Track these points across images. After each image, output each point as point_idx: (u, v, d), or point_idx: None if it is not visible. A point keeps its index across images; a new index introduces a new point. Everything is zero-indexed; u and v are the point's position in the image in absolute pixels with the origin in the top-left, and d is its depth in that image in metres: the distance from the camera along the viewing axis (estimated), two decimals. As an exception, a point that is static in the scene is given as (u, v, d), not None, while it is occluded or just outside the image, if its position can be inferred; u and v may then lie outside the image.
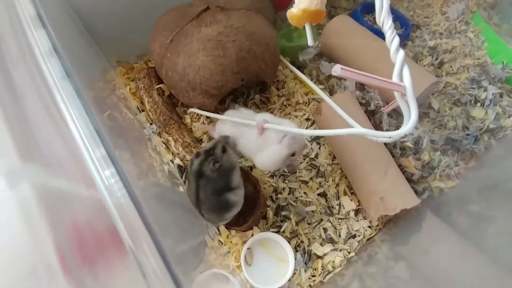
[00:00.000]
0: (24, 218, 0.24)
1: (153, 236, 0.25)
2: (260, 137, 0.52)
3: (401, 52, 0.36)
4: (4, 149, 0.27)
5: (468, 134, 0.66)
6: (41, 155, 0.29)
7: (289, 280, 0.57)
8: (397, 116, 0.67)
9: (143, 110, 0.72)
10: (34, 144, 0.29)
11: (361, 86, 0.69)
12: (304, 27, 0.44)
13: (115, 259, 0.24)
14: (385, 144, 0.65)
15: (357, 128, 0.38)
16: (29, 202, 0.25)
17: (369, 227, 0.63)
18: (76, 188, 0.27)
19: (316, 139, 0.70)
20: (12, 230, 0.24)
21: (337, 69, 0.31)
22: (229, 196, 0.50)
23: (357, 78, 0.33)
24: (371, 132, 0.37)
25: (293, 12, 0.41)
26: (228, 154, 0.51)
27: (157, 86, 0.71)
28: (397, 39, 0.36)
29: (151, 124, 0.70)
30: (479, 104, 0.71)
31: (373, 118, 0.68)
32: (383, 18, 0.36)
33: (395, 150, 0.64)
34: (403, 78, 0.36)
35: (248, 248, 0.59)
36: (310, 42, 0.43)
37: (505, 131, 0.70)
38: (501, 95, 0.73)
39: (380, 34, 0.76)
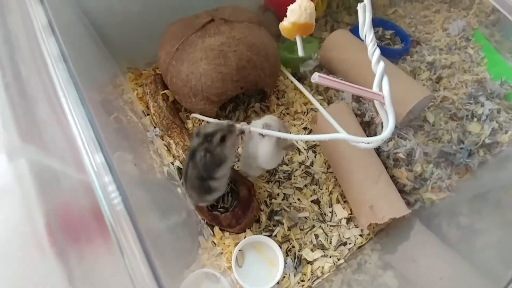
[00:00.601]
0: (19, 191, 0.27)
1: (135, 226, 0.27)
2: (252, 142, 0.55)
3: (381, 64, 0.38)
4: (7, 128, 0.30)
5: (462, 148, 0.67)
6: (40, 138, 0.32)
7: (278, 283, 0.58)
8: (391, 128, 0.69)
9: (148, 114, 0.76)
10: (35, 128, 0.33)
11: (357, 98, 0.71)
12: (296, 39, 0.47)
13: (99, 243, 0.27)
14: (379, 154, 0.66)
15: (338, 134, 0.40)
16: (25, 177, 0.28)
17: (360, 235, 0.64)
18: (68, 171, 0.30)
19: (312, 147, 0.72)
20: (8, 200, 0.26)
21: (315, 77, 0.34)
22: (211, 183, 0.52)
23: (335, 86, 0.35)
24: (352, 138, 0.39)
25: (284, 25, 0.44)
26: (224, 146, 0.51)
27: (162, 92, 0.75)
28: (377, 52, 0.39)
29: (154, 127, 0.74)
30: (475, 119, 0.72)
31: (368, 129, 0.70)
32: (366, 32, 0.39)
33: (388, 160, 0.66)
34: (382, 88, 0.38)
35: (239, 250, 0.61)
36: (300, 53, 0.46)
37: (501, 146, 0.70)
38: (498, 111, 0.73)
39: (380, 48, 0.78)
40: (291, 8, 0.42)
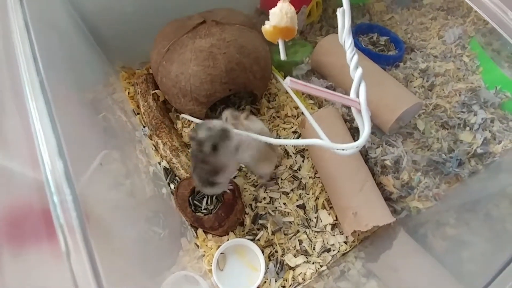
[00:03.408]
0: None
1: (84, 232, 0.27)
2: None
3: (359, 70, 0.38)
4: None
5: (452, 157, 0.66)
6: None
7: (258, 288, 0.58)
8: (380, 135, 0.68)
9: (138, 113, 0.76)
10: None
11: (347, 103, 0.70)
12: (278, 42, 0.46)
13: (46, 244, 0.26)
14: (366, 161, 0.66)
15: (314, 139, 0.39)
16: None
17: (344, 242, 0.64)
18: (23, 170, 0.30)
19: (300, 151, 0.72)
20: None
21: (287, 81, 0.33)
22: (214, 178, 0.50)
23: (308, 91, 0.34)
24: (327, 144, 0.39)
25: (266, 28, 0.44)
26: (217, 154, 0.45)
27: (153, 92, 0.75)
28: (356, 57, 0.38)
29: (144, 127, 0.74)
30: (467, 128, 0.71)
31: (357, 134, 0.69)
32: (344, 37, 0.39)
33: (376, 167, 0.65)
34: (359, 94, 0.37)
35: (221, 253, 0.61)
36: (282, 56, 0.45)
37: (494, 157, 0.69)
38: (492, 120, 0.72)
39: (372, 54, 0.78)
40: (272, 11, 0.42)
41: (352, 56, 0.38)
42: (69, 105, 0.48)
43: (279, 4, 0.41)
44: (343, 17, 0.38)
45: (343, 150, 0.38)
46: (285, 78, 0.80)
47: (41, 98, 0.31)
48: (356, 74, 0.38)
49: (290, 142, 0.42)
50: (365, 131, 0.37)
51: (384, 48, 0.82)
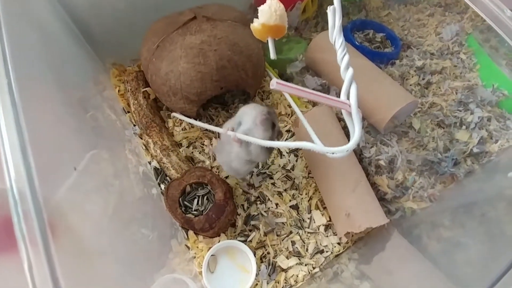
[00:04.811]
0: None
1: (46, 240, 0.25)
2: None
3: (350, 70, 0.36)
4: None
5: (447, 157, 0.65)
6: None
7: (249, 290, 0.57)
8: (375, 134, 0.67)
9: (128, 112, 0.74)
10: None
11: (341, 102, 0.69)
12: (268, 41, 0.45)
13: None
14: (360, 160, 0.64)
15: (305, 142, 0.38)
16: None
17: (338, 243, 0.63)
18: None
19: (294, 151, 0.70)
20: None
21: (273, 83, 0.32)
22: None
23: (296, 93, 0.33)
24: (317, 147, 0.37)
25: (255, 26, 0.42)
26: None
27: (143, 89, 0.73)
28: (347, 57, 0.37)
29: (134, 125, 0.72)
30: (464, 127, 0.70)
31: (352, 134, 0.68)
32: (335, 36, 0.37)
33: (370, 167, 0.64)
34: (350, 96, 0.36)
35: (212, 255, 0.60)
36: (272, 55, 0.44)
37: (490, 156, 0.68)
38: (489, 119, 0.71)
39: (367, 51, 0.76)
40: (261, 9, 0.40)
41: (343, 56, 0.36)
42: (48, 104, 0.46)
43: (268, 1, 0.40)
44: (334, 16, 0.36)
45: (333, 153, 0.37)
46: (279, 75, 0.79)
47: (8, 98, 0.29)
48: (347, 75, 0.36)
49: (281, 145, 0.41)
50: (355, 134, 0.35)
51: (380, 45, 0.80)
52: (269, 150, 0.54)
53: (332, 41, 0.38)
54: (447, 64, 0.77)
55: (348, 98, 0.36)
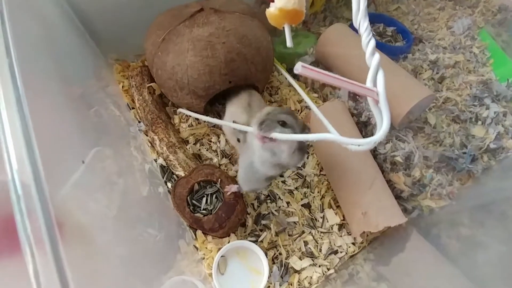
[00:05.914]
0: None
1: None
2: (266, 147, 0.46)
3: (377, 56, 0.34)
4: None
5: (464, 153, 0.62)
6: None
7: (261, 293, 0.54)
8: (389, 129, 0.64)
9: (133, 108, 0.72)
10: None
11: (354, 97, 0.67)
12: (284, 28, 0.42)
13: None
14: (375, 157, 0.62)
15: (326, 134, 0.36)
16: None
17: (352, 243, 0.60)
18: None
19: (304, 148, 0.68)
20: None
21: (298, 67, 0.30)
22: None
23: (321, 78, 0.31)
24: (341, 139, 0.35)
25: (271, 11, 0.40)
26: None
27: (148, 85, 0.71)
28: (373, 42, 0.34)
29: (139, 122, 0.70)
30: (480, 122, 0.68)
31: (365, 129, 0.65)
32: (360, 20, 0.35)
33: (385, 164, 0.61)
34: (377, 83, 0.34)
35: (222, 256, 0.57)
36: (289, 43, 0.41)
37: (507, 152, 0.66)
38: (504, 114, 0.69)
39: (379, 45, 0.74)
40: (278, -8, 0.38)
41: (368, 41, 0.34)
42: (50, 99, 0.43)
43: (286, -17, 0.37)
44: (359, -2, 0.34)
45: (359, 146, 0.34)
46: (287, 70, 0.77)
47: (12, 92, 0.27)
48: (373, 61, 0.34)
49: (298, 137, 0.38)
50: (383, 124, 0.33)
51: (391, 39, 0.78)
52: (302, 151, 0.47)
53: (357, 25, 0.35)
54: (460, 59, 0.75)
55: (375, 85, 0.34)
